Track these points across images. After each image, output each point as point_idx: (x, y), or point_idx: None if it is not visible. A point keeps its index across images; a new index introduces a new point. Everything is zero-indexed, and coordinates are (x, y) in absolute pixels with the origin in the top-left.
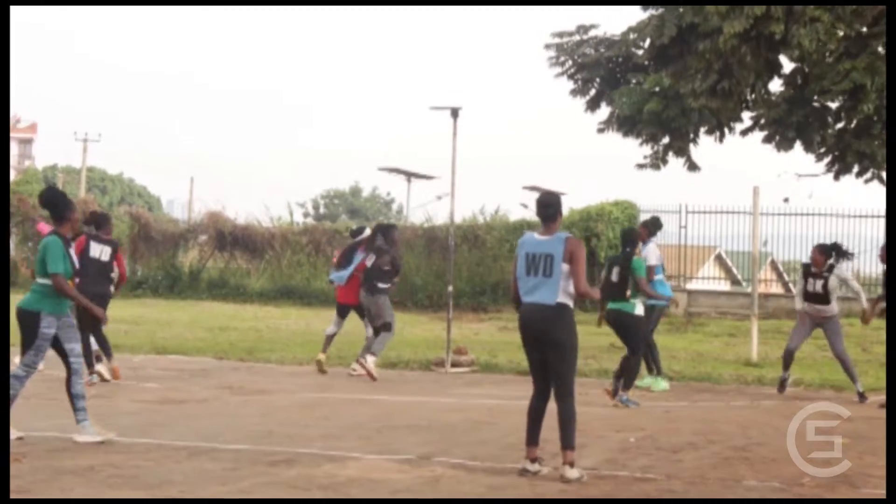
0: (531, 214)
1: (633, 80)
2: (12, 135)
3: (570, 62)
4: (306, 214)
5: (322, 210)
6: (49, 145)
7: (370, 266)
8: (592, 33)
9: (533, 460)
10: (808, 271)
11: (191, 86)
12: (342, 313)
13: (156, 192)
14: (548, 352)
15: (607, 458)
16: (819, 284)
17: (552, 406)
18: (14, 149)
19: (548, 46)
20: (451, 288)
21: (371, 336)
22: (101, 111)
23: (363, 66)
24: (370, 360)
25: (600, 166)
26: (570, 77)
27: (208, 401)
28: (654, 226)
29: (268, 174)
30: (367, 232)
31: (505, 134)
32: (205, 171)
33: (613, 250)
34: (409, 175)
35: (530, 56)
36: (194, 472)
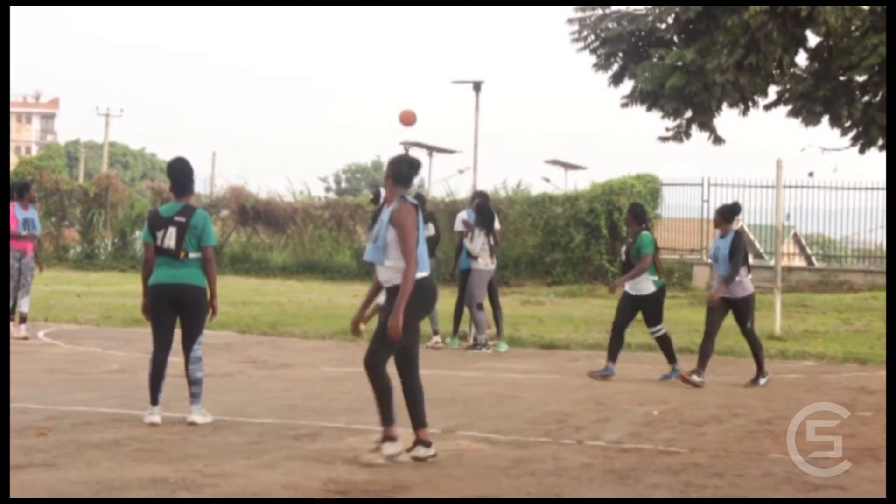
0: (553, 188)
1: (656, 55)
2: (35, 110)
3: (593, 37)
4: (328, 189)
5: (344, 184)
6: (71, 120)
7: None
8: (615, 8)
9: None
10: None
11: (211, 64)
12: None
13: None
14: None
15: (631, 431)
16: None
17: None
18: (36, 124)
19: (570, 21)
20: None
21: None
22: (123, 86)
23: (384, 40)
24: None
25: (622, 140)
26: (593, 51)
27: (232, 375)
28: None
29: (289, 149)
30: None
31: (527, 108)
32: (226, 147)
33: None
34: (431, 149)
35: (553, 29)
36: (219, 445)
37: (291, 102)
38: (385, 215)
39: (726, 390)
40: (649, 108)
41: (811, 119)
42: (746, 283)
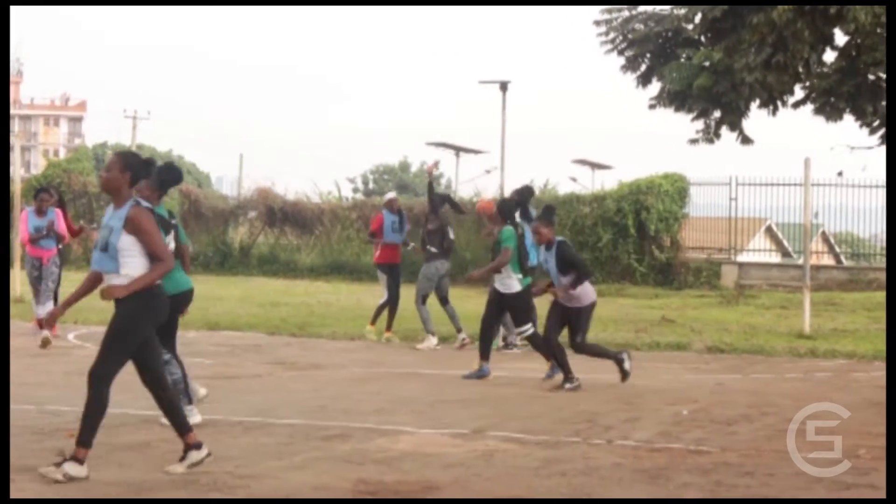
0: (580, 188)
1: (683, 55)
2: (63, 113)
3: (620, 38)
4: (356, 190)
5: (371, 185)
6: (99, 123)
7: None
8: (641, 9)
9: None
10: None
11: (238, 66)
12: None
13: (205, 169)
14: None
15: (661, 430)
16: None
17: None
18: (64, 127)
19: (597, 23)
20: None
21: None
22: (150, 89)
23: (411, 41)
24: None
25: (650, 139)
26: (620, 53)
27: (261, 376)
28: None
29: (317, 150)
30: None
31: (554, 107)
32: (253, 148)
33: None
34: (458, 149)
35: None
36: (249, 446)
37: (318, 104)
38: (115, 220)
39: (756, 389)
40: (677, 110)
41: (834, 115)
42: (583, 293)
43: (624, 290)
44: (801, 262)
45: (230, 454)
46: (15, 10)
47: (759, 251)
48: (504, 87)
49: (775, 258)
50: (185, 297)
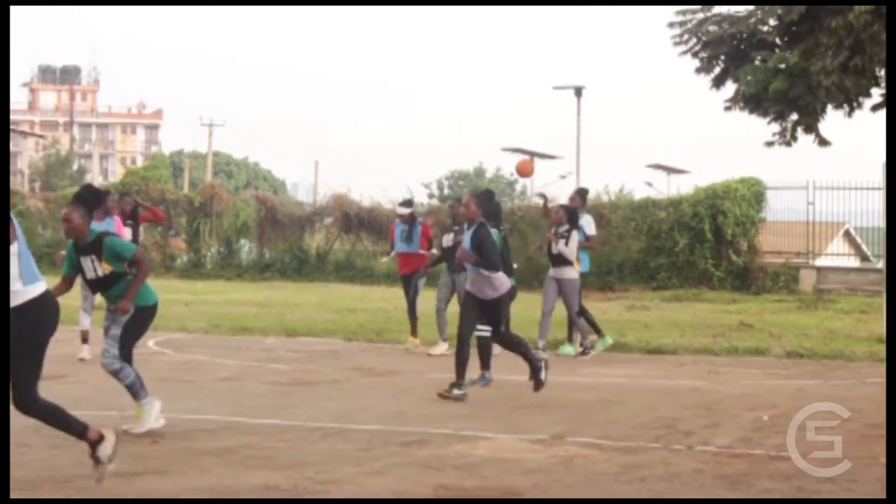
0: (656, 193)
1: (758, 58)
2: (140, 121)
3: (695, 40)
4: (431, 196)
5: (447, 191)
6: (175, 131)
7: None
8: (716, 10)
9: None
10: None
11: (312, 74)
12: None
13: (280, 176)
14: None
15: (741, 436)
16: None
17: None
18: (141, 135)
19: (671, 24)
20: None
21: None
22: (225, 96)
23: (486, 47)
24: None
25: (725, 144)
26: (695, 55)
27: (339, 382)
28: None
29: (392, 157)
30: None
31: (628, 112)
32: (329, 155)
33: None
34: (533, 155)
35: (654, 33)
36: (328, 452)
37: (393, 110)
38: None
39: (836, 394)
40: (752, 112)
41: None
42: (499, 282)
43: (701, 295)
44: (880, 265)
45: (309, 460)
46: (91, 19)
47: (837, 255)
48: (579, 92)
49: (854, 262)
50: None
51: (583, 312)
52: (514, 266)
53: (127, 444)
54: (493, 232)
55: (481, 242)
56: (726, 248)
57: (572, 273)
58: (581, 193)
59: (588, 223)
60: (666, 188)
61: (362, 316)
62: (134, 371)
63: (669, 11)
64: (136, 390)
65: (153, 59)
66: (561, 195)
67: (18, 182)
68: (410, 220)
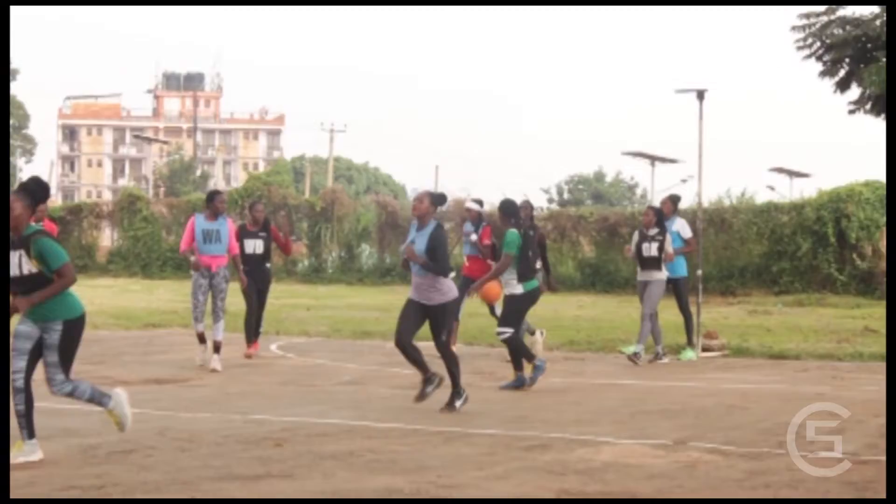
0: (778, 196)
1: (883, 58)
2: (262, 126)
3: (819, 43)
4: (550, 200)
5: (566, 195)
6: (297, 136)
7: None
8: (840, 13)
9: None
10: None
11: (432, 81)
12: None
13: (400, 181)
14: None
15: (867, 442)
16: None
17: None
18: (263, 140)
19: (795, 28)
20: (699, 272)
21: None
22: (346, 102)
23: (605, 50)
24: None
25: (848, 147)
26: (819, 59)
27: None
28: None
29: (511, 161)
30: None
31: (750, 115)
32: (448, 159)
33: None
34: (653, 159)
35: (777, 36)
36: (450, 456)
37: (513, 115)
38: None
39: None
40: (878, 114)
41: None
42: (447, 286)
43: (824, 300)
44: None
45: (432, 464)
46: (213, 26)
47: None
48: (701, 95)
49: None
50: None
51: (686, 318)
52: (538, 267)
53: (251, 448)
54: (512, 232)
55: (436, 246)
56: (850, 252)
57: (660, 275)
58: (673, 199)
59: (683, 227)
60: (788, 192)
61: (483, 320)
62: (86, 383)
63: (793, 14)
64: (98, 400)
65: (275, 65)
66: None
67: (143, 187)
68: (477, 220)
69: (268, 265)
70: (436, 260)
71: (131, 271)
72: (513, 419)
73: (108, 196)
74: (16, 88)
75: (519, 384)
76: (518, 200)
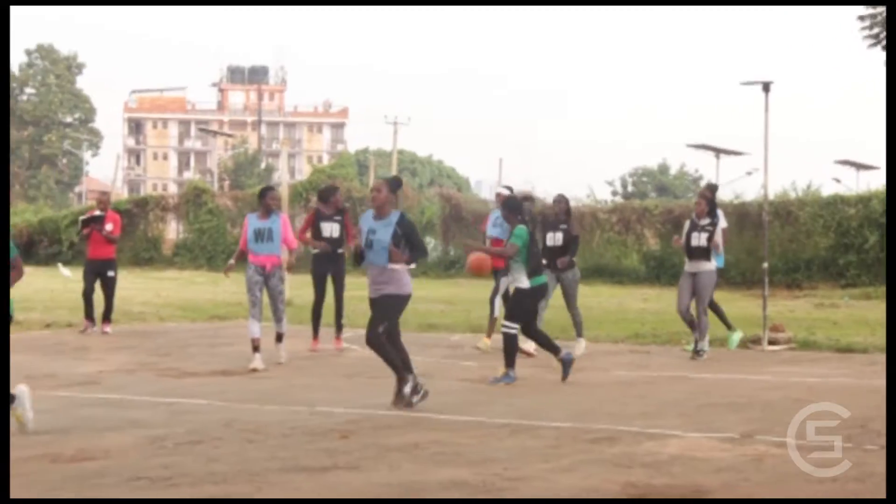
0: (845, 189)
1: None
2: (325, 120)
3: (885, 32)
4: (615, 193)
5: (630, 188)
6: (360, 129)
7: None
8: None
9: None
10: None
11: (494, 76)
12: None
13: (464, 174)
14: None
15: None
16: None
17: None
18: (327, 134)
19: (861, 17)
20: (765, 265)
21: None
22: (410, 95)
23: (670, 42)
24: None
25: None
26: (885, 47)
27: (525, 379)
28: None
29: (575, 154)
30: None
31: (816, 108)
32: (512, 152)
33: None
34: (718, 151)
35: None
36: (516, 449)
37: (576, 107)
38: None
39: None
40: None
41: None
42: (405, 280)
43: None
44: None
45: (498, 456)
46: (279, 20)
47: None
48: (766, 87)
49: None
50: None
51: (713, 308)
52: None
53: (317, 439)
54: (522, 227)
55: (409, 233)
56: None
57: (710, 266)
58: (710, 188)
59: (720, 218)
60: (855, 184)
61: (548, 313)
62: None
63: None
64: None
65: (338, 60)
66: (746, 192)
67: (208, 180)
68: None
69: (341, 251)
70: (415, 248)
71: (197, 264)
72: (578, 412)
73: (173, 189)
74: (82, 82)
75: (510, 381)
76: (582, 194)
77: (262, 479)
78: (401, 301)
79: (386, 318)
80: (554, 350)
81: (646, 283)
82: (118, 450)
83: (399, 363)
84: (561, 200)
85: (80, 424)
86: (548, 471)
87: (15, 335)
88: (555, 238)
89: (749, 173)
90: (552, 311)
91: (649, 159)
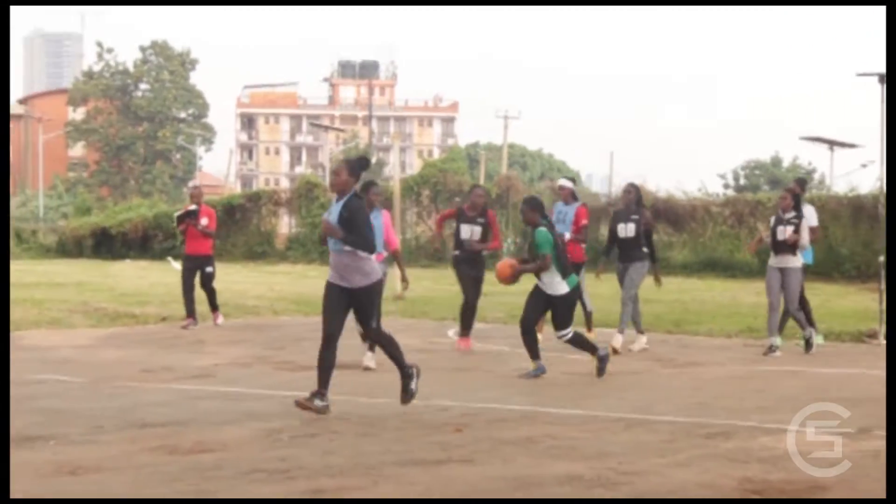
0: None
1: None
2: (436, 114)
3: None
4: (727, 186)
5: (742, 181)
6: (471, 123)
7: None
8: None
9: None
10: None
11: (606, 69)
12: None
13: (575, 167)
14: None
15: None
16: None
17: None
18: (437, 128)
19: None
20: (882, 258)
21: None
22: (520, 89)
23: (784, 36)
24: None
25: None
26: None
27: (639, 373)
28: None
29: (687, 148)
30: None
31: None
32: (624, 146)
33: None
34: (832, 144)
35: None
36: (631, 443)
37: (689, 102)
38: None
39: None
40: None
41: None
42: (370, 266)
43: None
44: None
45: (613, 450)
46: (390, 15)
47: None
48: (883, 79)
49: None
50: None
51: (803, 305)
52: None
53: (432, 433)
54: (542, 231)
55: (352, 216)
56: None
57: (796, 262)
58: (800, 183)
59: (811, 214)
60: None
61: (658, 307)
62: None
63: None
64: None
65: (449, 53)
66: (861, 184)
67: (319, 175)
68: (570, 199)
69: (484, 253)
70: (352, 232)
71: (309, 258)
72: (693, 406)
73: (285, 183)
74: (195, 78)
75: (539, 372)
76: (693, 188)
77: (378, 472)
78: (375, 291)
79: (373, 313)
80: (535, 355)
81: (759, 276)
82: (235, 442)
83: (402, 358)
84: (630, 190)
85: (197, 417)
86: (663, 465)
87: (132, 329)
88: (626, 229)
89: (864, 166)
90: (654, 306)
91: (761, 152)
